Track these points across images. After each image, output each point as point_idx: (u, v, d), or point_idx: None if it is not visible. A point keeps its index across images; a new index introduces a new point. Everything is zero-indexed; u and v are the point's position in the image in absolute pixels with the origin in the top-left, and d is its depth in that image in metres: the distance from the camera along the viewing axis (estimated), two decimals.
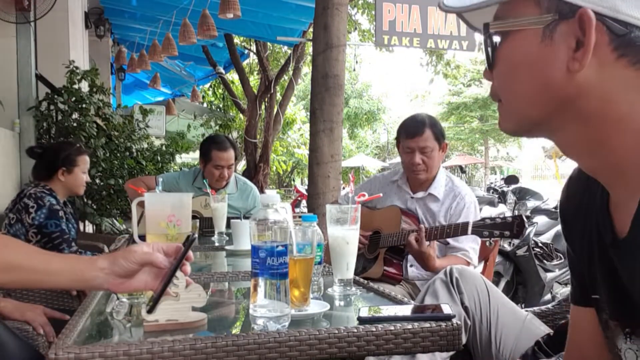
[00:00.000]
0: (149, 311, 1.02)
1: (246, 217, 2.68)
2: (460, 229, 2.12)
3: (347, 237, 1.36)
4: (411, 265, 2.41)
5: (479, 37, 8.16)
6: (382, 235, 2.41)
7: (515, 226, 1.98)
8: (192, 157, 12.66)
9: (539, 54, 0.69)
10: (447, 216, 2.39)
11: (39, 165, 2.59)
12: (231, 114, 11.91)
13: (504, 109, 0.77)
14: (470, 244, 2.33)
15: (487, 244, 2.27)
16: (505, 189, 5.84)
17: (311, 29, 5.41)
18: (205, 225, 2.71)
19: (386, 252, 2.37)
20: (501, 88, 0.76)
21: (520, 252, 4.05)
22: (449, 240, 2.34)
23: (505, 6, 0.72)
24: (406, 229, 2.29)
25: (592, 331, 0.89)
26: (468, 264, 2.32)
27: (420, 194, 2.46)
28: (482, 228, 2.05)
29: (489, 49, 0.75)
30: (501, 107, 0.77)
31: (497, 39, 0.74)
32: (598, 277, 0.81)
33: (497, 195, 5.80)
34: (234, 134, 12.19)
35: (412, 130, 2.43)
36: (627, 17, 0.65)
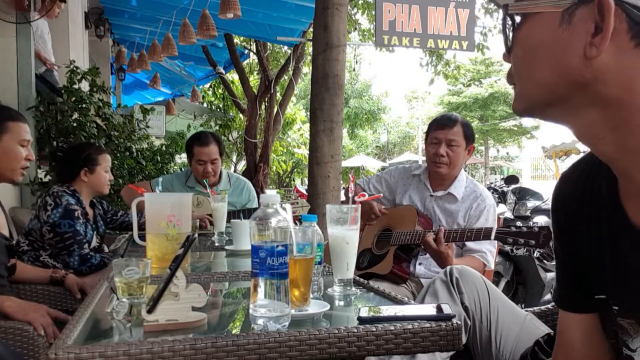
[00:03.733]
0: (149, 311, 1.02)
1: (246, 216, 2.69)
2: (482, 234, 2.07)
3: (347, 237, 1.36)
4: (420, 264, 2.40)
5: (478, 37, 8.16)
6: (393, 233, 2.38)
7: (541, 237, 1.94)
8: None
9: (556, 39, 0.67)
10: (467, 216, 2.36)
11: (61, 168, 2.62)
12: (231, 114, 11.90)
13: (518, 91, 0.75)
14: (487, 246, 2.31)
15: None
16: (505, 189, 5.82)
17: (311, 29, 5.41)
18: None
19: (397, 250, 2.35)
20: (517, 71, 0.74)
21: (520, 252, 4.05)
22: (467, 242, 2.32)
23: None
24: (421, 230, 2.27)
25: (588, 336, 0.87)
26: (485, 265, 2.31)
27: (439, 193, 2.43)
28: (507, 235, 2.01)
29: (507, 31, 0.73)
30: (515, 89, 0.76)
31: (515, 20, 0.72)
32: (609, 274, 0.78)
33: (497, 195, 5.79)
34: (234, 134, 12.19)
35: (443, 121, 2.42)
36: None
